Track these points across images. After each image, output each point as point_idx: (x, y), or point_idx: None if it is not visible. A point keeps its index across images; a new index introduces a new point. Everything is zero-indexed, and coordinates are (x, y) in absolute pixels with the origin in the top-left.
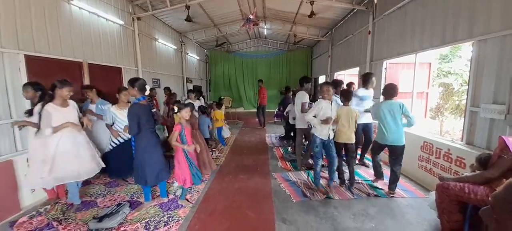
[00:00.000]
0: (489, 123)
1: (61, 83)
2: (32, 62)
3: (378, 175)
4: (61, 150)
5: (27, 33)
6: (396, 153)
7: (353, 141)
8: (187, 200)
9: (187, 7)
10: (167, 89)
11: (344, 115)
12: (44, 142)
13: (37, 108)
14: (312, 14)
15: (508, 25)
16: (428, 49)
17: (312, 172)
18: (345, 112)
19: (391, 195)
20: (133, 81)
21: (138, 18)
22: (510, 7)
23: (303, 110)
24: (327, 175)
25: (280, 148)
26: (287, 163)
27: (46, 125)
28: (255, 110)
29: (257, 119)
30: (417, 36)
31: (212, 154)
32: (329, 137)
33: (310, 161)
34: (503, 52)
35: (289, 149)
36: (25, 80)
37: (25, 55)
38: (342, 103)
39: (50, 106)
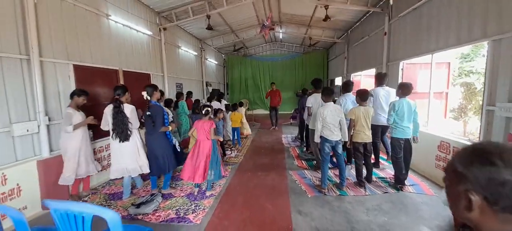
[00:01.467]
0: (505, 121)
1: (126, 88)
2: (79, 71)
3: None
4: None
5: (74, 45)
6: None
7: (371, 140)
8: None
9: (208, 17)
10: (190, 94)
11: (362, 115)
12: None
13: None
14: (327, 18)
15: None
16: (444, 49)
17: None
18: (362, 112)
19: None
20: (155, 87)
21: (164, 28)
22: None
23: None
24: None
25: (296, 148)
26: (303, 162)
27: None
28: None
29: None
30: (433, 36)
31: (230, 153)
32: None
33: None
34: None
35: (304, 148)
36: (74, 86)
37: (73, 65)
38: (357, 104)
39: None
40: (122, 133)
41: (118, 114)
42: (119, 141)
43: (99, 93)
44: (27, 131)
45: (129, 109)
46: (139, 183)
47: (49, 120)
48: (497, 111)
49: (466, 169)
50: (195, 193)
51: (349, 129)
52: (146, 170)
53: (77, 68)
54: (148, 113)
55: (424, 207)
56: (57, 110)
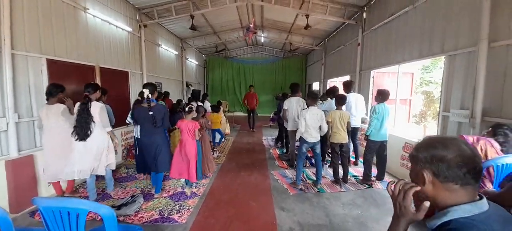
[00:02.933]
0: (458, 125)
1: (98, 87)
2: (53, 66)
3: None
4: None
5: (48, 39)
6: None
7: (347, 140)
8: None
9: (192, 17)
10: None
11: (338, 118)
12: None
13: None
14: (307, 26)
15: (472, 43)
16: (409, 61)
17: (307, 170)
18: (338, 116)
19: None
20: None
21: (145, 26)
22: (475, 28)
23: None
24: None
25: (276, 149)
26: (284, 162)
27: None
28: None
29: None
30: (400, 49)
31: (213, 154)
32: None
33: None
34: (468, 65)
35: (284, 150)
36: (46, 82)
37: (47, 59)
38: (335, 108)
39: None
40: (82, 131)
41: (83, 112)
42: (76, 139)
43: (74, 91)
44: None
45: (97, 108)
46: (92, 195)
47: (19, 117)
48: (451, 117)
49: (418, 153)
50: (188, 193)
51: (328, 130)
52: (100, 173)
53: (50, 62)
54: (150, 113)
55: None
56: (27, 107)
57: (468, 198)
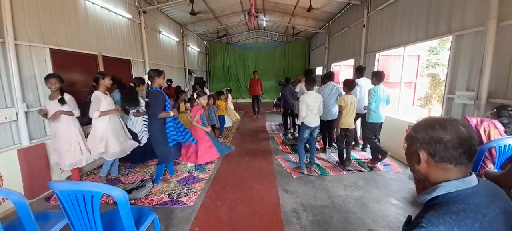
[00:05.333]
0: (462, 107)
1: (103, 75)
2: (56, 55)
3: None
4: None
5: (49, 28)
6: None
7: (353, 126)
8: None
9: (192, 1)
10: (169, 81)
11: (350, 103)
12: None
13: (68, 96)
14: (310, 8)
15: (480, 22)
16: (415, 42)
17: (309, 154)
18: (350, 101)
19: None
20: (159, 72)
21: (144, 12)
22: (483, 6)
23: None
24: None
25: (280, 134)
26: (287, 147)
27: (96, 108)
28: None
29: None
30: (406, 30)
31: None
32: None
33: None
34: (475, 46)
35: (289, 135)
36: (51, 71)
37: (50, 48)
38: (344, 93)
39: (98, 93)
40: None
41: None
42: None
43: (78, 80)
44: (6, 118)
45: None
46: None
47: (27, 107)
48: (456, 99)
49: (416, 133)
50: (196, 175)
51: (339, 115)
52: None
53: (53, 52)
54: (146, 100)
55: (393, 182)
56: (34, 97)
57: (458, 176)
